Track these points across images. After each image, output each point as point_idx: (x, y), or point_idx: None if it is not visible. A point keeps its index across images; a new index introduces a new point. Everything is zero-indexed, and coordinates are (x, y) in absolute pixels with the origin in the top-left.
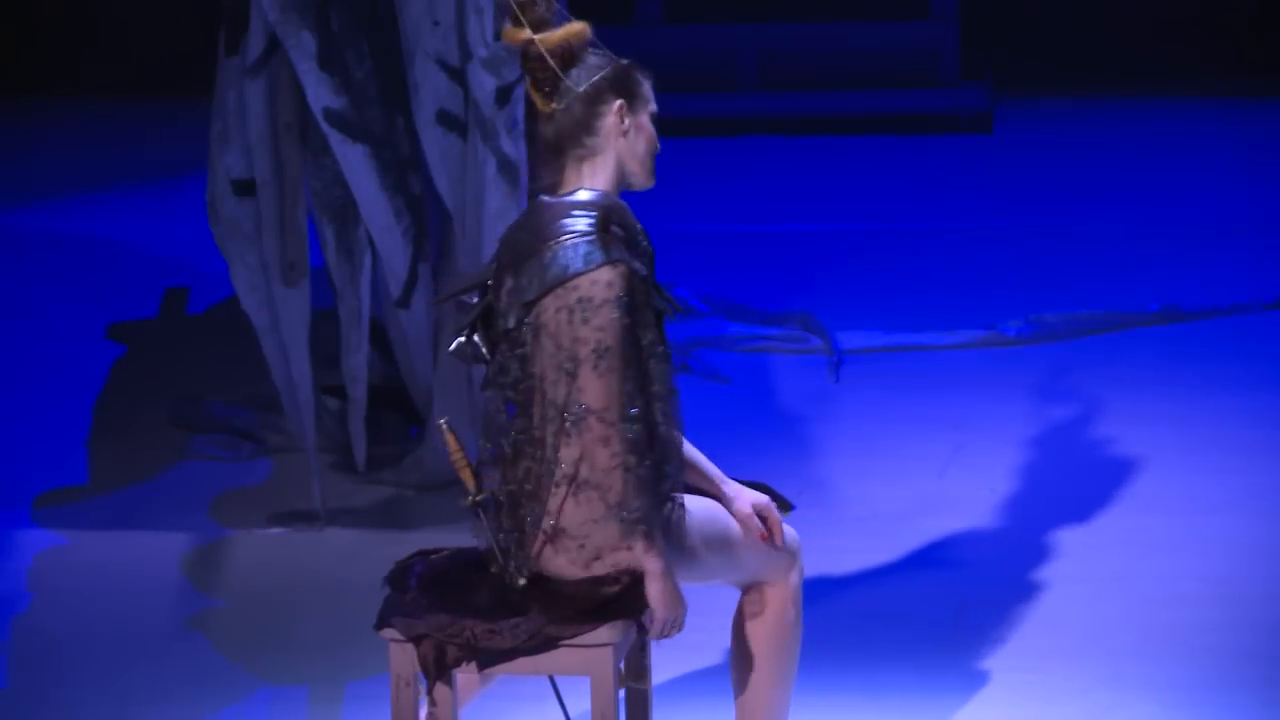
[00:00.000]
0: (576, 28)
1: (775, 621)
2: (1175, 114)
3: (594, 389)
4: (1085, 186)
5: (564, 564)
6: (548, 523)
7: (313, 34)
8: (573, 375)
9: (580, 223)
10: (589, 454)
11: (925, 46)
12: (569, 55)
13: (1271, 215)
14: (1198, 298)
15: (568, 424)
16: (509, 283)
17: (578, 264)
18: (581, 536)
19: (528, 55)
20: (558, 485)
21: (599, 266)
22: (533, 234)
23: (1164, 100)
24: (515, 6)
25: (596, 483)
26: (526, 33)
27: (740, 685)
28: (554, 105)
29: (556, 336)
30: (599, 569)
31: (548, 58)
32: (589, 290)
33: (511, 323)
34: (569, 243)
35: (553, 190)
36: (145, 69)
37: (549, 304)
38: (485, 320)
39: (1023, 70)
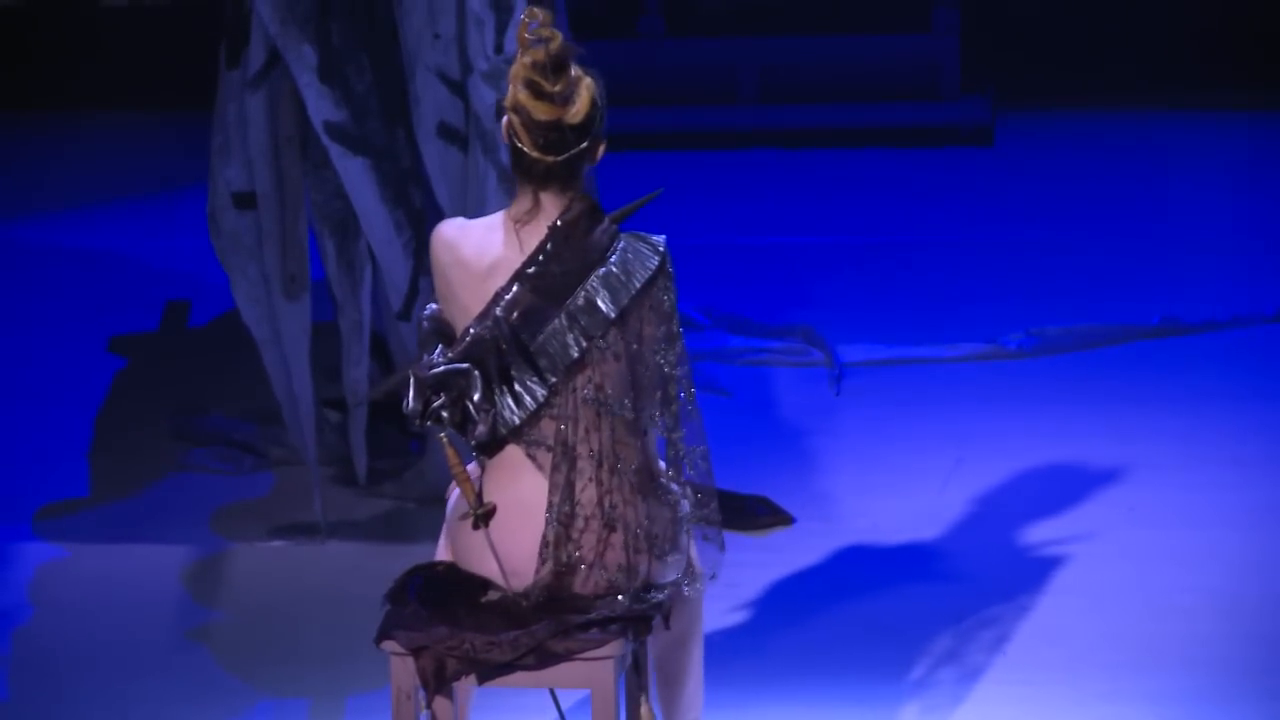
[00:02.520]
0: (590, 87)
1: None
2: (1176, 127)
3: (682, 359)
4: (1086, 199)
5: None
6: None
7: (313, 47)
8: (668, 361)
9: (610, 226)
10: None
11: (927, 60)
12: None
13: (1272, 229)
14: (1198, 311)
15: (654, 417)
16: (558, 316)
17: (650, 261)
18: (653, 534)
19: (550, 126)
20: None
21: (663, 254)
22: (575, 259)
23: (1165, 113)
24: (543, 82)
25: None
26: (556, 111)
27: (665, 680)
28: (556, 158)
29: (652, 336)
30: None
31: (568, 131)
32: (664, 279)
33: (576, 354)
34: (623, 247)
35: (533, 216)
36: (146, 82)
37: (632, 317)
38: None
39: (1024, 83)
